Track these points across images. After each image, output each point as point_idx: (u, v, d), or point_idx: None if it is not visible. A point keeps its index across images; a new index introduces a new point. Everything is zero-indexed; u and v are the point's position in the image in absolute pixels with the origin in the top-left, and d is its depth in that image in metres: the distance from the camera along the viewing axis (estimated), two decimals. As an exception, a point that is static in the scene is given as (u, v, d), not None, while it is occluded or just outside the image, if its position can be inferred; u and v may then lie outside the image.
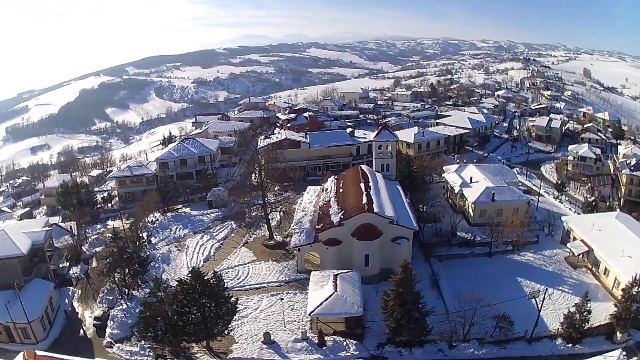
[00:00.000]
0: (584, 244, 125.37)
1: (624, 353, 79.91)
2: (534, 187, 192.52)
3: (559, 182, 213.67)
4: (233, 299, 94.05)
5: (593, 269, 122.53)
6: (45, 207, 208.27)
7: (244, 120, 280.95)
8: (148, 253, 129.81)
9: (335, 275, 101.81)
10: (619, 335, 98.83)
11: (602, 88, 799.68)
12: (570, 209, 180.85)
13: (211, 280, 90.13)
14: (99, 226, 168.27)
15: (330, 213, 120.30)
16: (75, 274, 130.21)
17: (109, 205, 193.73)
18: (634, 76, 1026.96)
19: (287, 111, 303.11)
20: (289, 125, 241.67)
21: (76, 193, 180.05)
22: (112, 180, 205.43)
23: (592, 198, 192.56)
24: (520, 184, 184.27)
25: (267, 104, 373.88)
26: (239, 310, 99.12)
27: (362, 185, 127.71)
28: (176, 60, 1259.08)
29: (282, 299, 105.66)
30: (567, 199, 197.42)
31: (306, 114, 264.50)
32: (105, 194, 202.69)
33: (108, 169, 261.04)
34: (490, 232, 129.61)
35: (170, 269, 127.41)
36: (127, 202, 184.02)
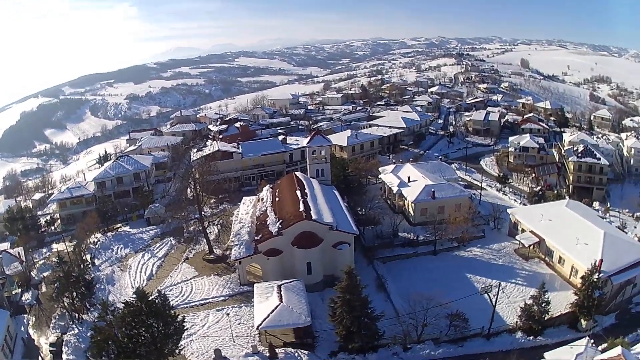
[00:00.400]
0: (534, 235, 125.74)
1: (592, 341, 79.66)
2: (475, 182, 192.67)
3: (501, 174, 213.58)
4: (180, 317, 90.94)
5: (546, 258, 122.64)
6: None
7: (177, 134, 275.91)
8: (93, 275, 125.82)
9: (279, 286, 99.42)
10: (583, 323, 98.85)
11: (541, 77, 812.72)
12: (515, 200, 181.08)
13: (156, 300, 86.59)
14: (44, 250, 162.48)
15: (268, 223, 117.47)
16: (27, 300, 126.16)
17: (52, 228, 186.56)
18: (576, 63, 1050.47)
19: (219, 122, 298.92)
20: (220, 136, 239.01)
21: (21, 218, 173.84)
22: (53, 202, 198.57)
23: (539, 188, 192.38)
24: (460, 179, 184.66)
25: (198, 116, 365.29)
26: (187, 329, 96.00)
27: (298, 192, 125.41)
28: (109, 78, 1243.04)
29: (228, 314, 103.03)
30: (511, 190, 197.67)
31: (237, 124, 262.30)
32: (48, 217, 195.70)
33: (49, 192, 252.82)
34: (434, 230, 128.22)
35: (115, 289, 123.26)
36: (69, 224, 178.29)
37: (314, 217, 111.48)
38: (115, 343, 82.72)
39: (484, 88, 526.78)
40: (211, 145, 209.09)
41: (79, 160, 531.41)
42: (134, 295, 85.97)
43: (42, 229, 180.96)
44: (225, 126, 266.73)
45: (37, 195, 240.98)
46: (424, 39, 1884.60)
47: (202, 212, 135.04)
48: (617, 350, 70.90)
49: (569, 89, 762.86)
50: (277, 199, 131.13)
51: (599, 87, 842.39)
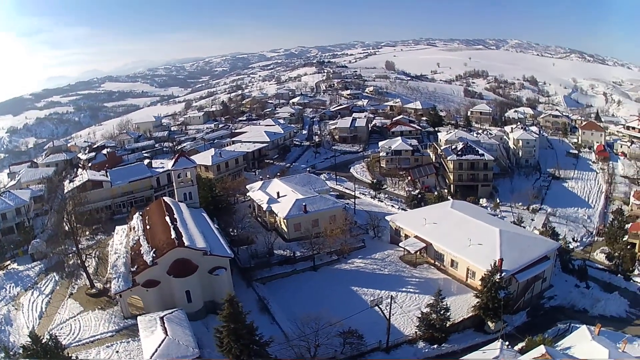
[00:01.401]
0: (419, 240, 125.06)
1: (507, 342, 79.51)
2: (348, 191, 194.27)
3: (374, 180, 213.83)
4: (73, 357, 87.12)
5: (437, 263, 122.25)
6: None
7: (50, 164, 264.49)
8: None
9: (162, 318, 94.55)
10: (491, 324, 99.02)
11: (409, 78, 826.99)
12: (392, 206, 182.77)
13: (49, 343, 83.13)
14: None
15: (142, 252, 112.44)
16: None
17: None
18: (447, 59, 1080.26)
19: (87, 150, 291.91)
20: (90, 164, 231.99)
21: None
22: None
23: (417, 191, 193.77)
24: (331, 190, 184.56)
25: (69, 145, 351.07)
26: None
27: (167, 218, 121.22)
28: None
29: (117, 352, 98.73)
30: (386, 196, 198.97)
31: (105, 151, 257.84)
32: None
33: None
34: (310, 245, 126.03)
35: (14, 330, 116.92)
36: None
37: (186, 243, 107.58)
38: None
39: (348, 94, 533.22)
40: (81, 174, 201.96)
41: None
42: (29, 339, 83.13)
43: None
44: (93, 154, 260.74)
45: None
46: (283, 49, 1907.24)
47: (79, 245, 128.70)
48: (541, 349, 69.27)
49: (440, 87, 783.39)
50: (148, 226, 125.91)
51: (474, 82, 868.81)
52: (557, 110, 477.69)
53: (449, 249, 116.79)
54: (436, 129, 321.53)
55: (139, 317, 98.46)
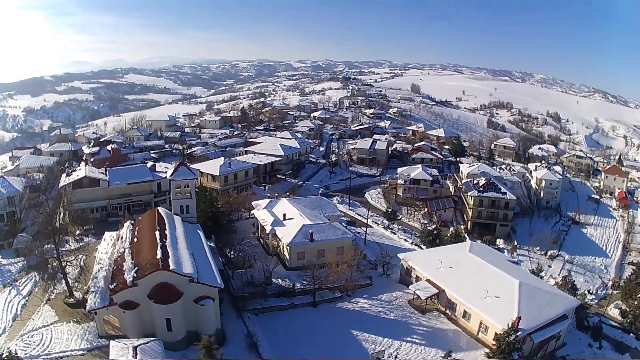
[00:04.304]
0: (432, 285, 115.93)
1: None
2: (360, 217, 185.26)
3: (389, 209, 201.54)
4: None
5: (448, 312, 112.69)
6: None
7: (55, 154, 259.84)
8: None
9: (135, 348, 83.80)
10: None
11: (433, 103, 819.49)
12: (406, 240, 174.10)
13: None
14: None
15: (124, 269, 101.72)
16: None
17: None
18: (473, 88, 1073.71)
19: (92, 144, 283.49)
20: (92, 159, 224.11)
21: None
22: None
23: (433, 226, 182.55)
24: (342, 215, 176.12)
25: (76, 135, 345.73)
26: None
27: (157, 234, 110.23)
28: (11, 89, 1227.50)
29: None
30: (400, 227, 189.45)
31: (109, 147, 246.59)
32: None
33: None
34: (312, 277, 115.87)
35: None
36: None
37: (172, 266, 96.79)
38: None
39: (371, 113, 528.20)
40: (79, 169, 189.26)
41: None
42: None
43: None
44: (97, 148, 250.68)
45: None
46: (311, 61, 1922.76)
47: (59, 249, 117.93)
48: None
49: (464, 115, 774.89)
50: (135, 239, 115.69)
51: (497, 113, 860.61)
52: (580, 150, 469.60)
53: (463, 298, 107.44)
54: (458, 159, 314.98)
55: (111, 342, 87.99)
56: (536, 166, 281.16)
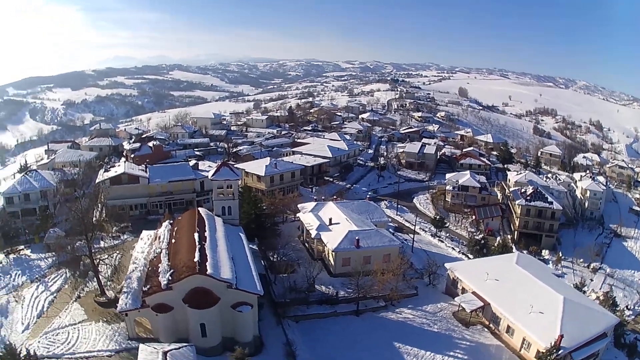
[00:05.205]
0: (477, 298, 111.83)
1: None
2: (408, 224, 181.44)
3: (437, 216, 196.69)
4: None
5: (492, 326, 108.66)
6: None
7: (94, 148, 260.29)
8: None
9: (165, 353, 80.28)
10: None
11: (480, 107, 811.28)
12: (453, 248, 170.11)
13: None
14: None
15: (159, 271, 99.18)
16: None
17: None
18: (518, 93, 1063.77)
19: (133, 139, 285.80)
20: (132, 155, 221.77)
21: None
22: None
23: (480, 235, 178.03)
24: (390, 221, 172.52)
25: (117, 130, 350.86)
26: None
27: (196, 235, 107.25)
28: (50, 82, 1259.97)
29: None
30: (447, 235, 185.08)
31: (151, 143, 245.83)
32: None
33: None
34: (356, 285, 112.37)
35: (7, 324, 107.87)
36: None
37: (209, 271, 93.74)
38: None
39: (419, 117, 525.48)
40: (118, 165, 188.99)
41: (15, 164, 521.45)
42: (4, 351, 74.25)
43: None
44: (138, 144, 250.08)
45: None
46: (359, 62, 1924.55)
47: (93, 246, 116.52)
48: None
49: (511, 121, 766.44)
50: (173, 240, 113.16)
51: (542, 120, 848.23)
52: (622, 160, 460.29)
53: (508, 313, 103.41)
54: (506, 166, 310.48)
55: (140, 345, 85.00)
56: (581, 176, 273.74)
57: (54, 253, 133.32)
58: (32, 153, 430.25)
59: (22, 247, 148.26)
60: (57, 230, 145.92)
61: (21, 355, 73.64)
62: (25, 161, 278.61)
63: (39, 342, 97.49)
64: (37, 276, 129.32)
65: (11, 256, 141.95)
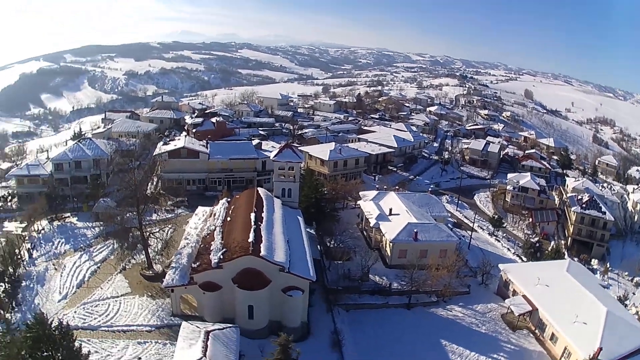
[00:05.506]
0: (526, 302, 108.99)
1: None
2: (467, 220, 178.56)
3: (496, 216, 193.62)
4: (85, 351, 75.01)
5: (537, 331, 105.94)
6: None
7: (154, 120, 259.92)
8: (22, 271, 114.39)
9: (208, 333, 79.83)
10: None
11: (544, 111, 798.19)
12: (508, 249, 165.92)
13: (54, 332, 69.61)
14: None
15: (211, 248, 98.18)
16: None
17: (9, 204, 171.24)
18: (580, 100, 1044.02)
19: (195, 114, 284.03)
20: (194, 130, 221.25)
21: None
22: (11, 178, 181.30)
23: (536, 238, 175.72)
24: (450, 216, 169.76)
25: (180, 104, 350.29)
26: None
27: (252, 215, 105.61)
28: (111, 51, 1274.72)
29: (139, 358, 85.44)
30: (504, 235, 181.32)
31: (214, 119, 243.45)
32: (8, 191, 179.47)
33: (17, 163, 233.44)
34: (410, 278, 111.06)
35: (43, 292, 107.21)
36: (25, 203, 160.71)
37: (262, 252, 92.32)
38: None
39: (485, 114, 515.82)
40: (178, 139, 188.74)
41: (70, 130, 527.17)
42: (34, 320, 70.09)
43: None
44: (201, 119, 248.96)
45: (5, 165, 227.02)
46: (429, 55, 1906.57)
47: (145, 218, 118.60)
48: None
49: (572, 127, 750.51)
50: (229, 218, 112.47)
51: (601, 129, 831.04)
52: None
53: (553, 320, 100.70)
54: (565, 171, 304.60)
55: (183, 324, 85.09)
56: (634, 188, 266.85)
57: (102, 223, 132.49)
58: (88, 121, 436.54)
59: (68, 214, 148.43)
60: (107, 200, 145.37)
61: (52, 325, 70.44)
62: (80, 128, 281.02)
63: (75, 312, 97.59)
64: (81, 245, 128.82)
65: (55, 223, 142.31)
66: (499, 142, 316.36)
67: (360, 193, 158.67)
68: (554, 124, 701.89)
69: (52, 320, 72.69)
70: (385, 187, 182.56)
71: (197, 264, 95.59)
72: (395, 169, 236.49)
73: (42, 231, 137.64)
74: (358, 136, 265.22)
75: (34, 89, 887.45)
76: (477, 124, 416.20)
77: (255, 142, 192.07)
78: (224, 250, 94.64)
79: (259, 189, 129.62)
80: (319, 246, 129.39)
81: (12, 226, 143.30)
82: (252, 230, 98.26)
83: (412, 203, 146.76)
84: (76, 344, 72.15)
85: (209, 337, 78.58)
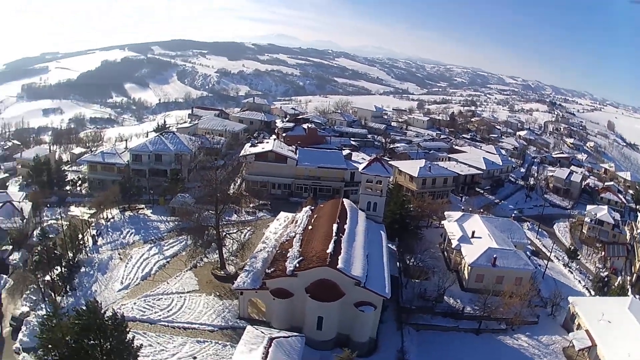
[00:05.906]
0: (588, 337, 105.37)
1: None
2: (544, 249, 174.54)
3: (572, 246, 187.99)
4: (137, 343, 74.72)
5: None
6: (21, 177, 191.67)
7: (244, 121, 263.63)
8: (81, 257, 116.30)
9: (271, 339, 78.06)
10: None
11: (624, 144, 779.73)
12: (579, 281, 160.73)
13: (108, 322, 69.00)
14: (59, 210, 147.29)
15: (288, 255, 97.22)
16: (14, 261, 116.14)
17: (78, 189, 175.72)
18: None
19: (287, 119, 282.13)
20: (284, 134, 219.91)
21: (47, 170, 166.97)
22: (84, 163, 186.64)
23: (605, 272, 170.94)
24: (529, 243, 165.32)
25: (272, 107, 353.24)
26: (150, 354, 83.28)
27: (334, 226, 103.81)
28: (203, 48, 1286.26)
29: (194, 358, 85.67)
30: (577, 267, 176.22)
31: (305, 125, 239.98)
32: (78, 176, 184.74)
33: (92, 149, 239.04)
34: (484, 303, 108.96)
35: (103, 280, 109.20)
36: (96, 190, 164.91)
37: (339, 265, 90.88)
38: (59, 349, 68.66)
39: (571, 143, 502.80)
40: (267, 142, 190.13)
41: (154, 121, 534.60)
42: (86, 307, 69.52)
43: (67, 188, 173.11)
44: (292, 124, 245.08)
45: (78, 150, 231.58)
46: (522, 79, 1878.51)
47: (223, 218, 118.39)
48: None
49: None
50: (310, 227, 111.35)
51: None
52: None
53: (608, 358, 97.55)
54: (637, 207, 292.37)
55: (248, 327, 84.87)
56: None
57: (178, 218, 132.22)
58: (174, 114, 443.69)
59: (142, 206, 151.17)
60: (186, 195, 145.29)
61: (105, 314, 69.80)
62: (165, 121, 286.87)
63: (134, 303, 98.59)
64: (152, 238, 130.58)
65: (127, 213, 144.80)
66: (581, 172, 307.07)
67: (445, 213, 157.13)
68: (632, 158, 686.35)
69: (107, 310, 72.61)
70: (470, 209, 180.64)
71: (272, 269, 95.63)
72: (482, 192, 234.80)
73: (112, 220, 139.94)
74: (449, 155, 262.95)
75: (116, 77, 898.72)
76: (563, 152, 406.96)
77: (345, 152, 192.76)
78: (301, 258, 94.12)
79: (344, 199, 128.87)
80: (398, 263, 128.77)
81: (79, 211, 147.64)
82: (332, 241, 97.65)
83: (495, 227, 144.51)
84: (129, 335, 72.12)
85: (272, 343, 77.30)
